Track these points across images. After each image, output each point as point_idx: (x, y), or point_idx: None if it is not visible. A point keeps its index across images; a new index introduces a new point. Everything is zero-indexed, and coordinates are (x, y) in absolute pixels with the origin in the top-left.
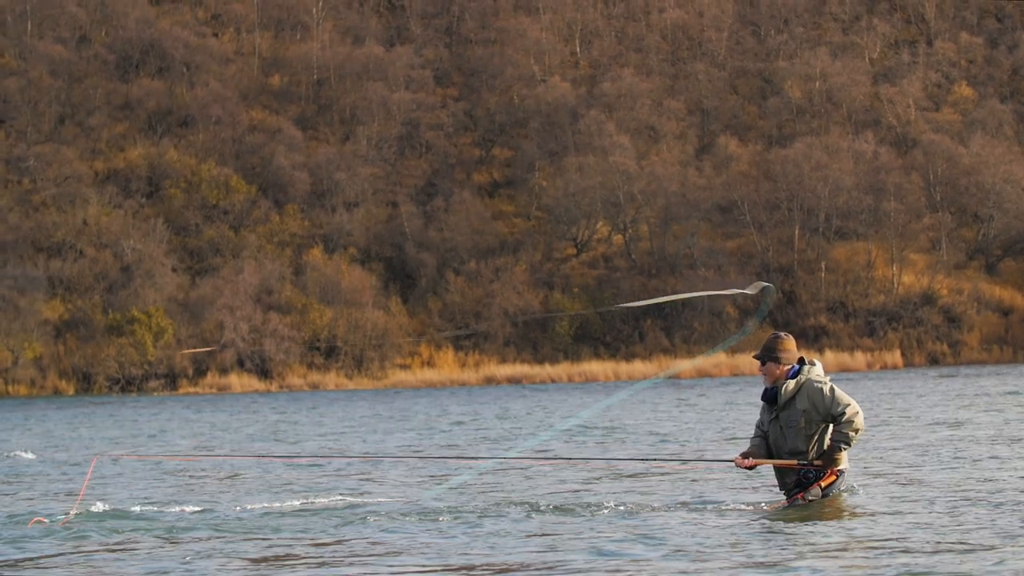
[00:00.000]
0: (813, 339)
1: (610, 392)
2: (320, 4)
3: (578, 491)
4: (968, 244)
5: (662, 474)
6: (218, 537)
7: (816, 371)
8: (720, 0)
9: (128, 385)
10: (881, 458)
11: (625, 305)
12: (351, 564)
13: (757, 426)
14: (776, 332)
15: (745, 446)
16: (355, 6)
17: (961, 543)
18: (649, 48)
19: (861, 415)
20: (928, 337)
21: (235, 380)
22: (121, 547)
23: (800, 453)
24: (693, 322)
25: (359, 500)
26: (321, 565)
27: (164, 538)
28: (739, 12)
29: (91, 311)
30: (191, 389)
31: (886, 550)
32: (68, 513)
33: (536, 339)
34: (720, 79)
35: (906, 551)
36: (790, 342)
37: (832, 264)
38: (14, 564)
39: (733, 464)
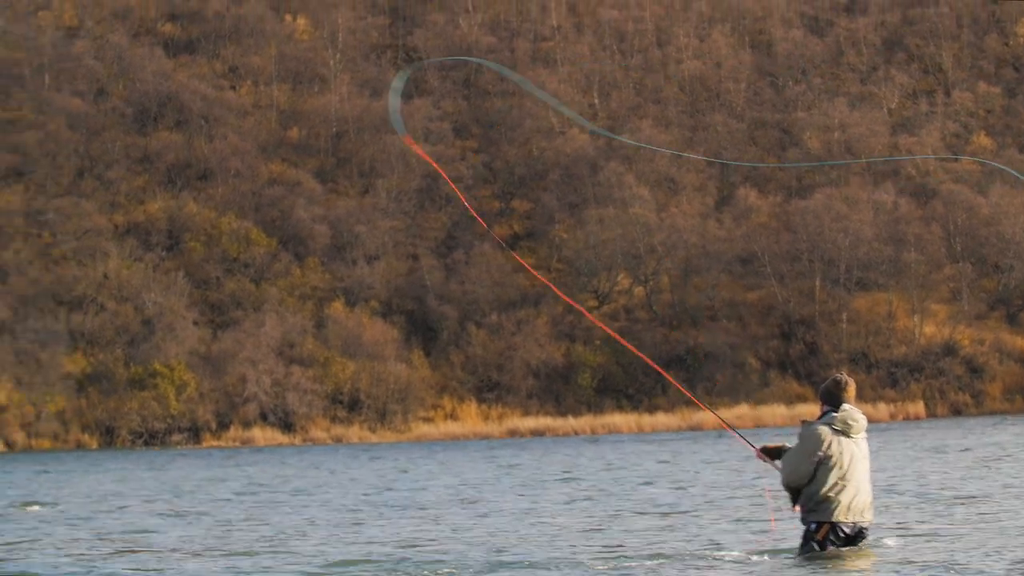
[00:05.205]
0: None
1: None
2: (337, 57)
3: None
4: (989, 294)
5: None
6: None
7: (830, 417)
8: (738, 51)
9: (151, 439)
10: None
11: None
12: None
13: None
14: (838, 376)
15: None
16: (372, 58)
17: None
18: (667, 99)
19: (786, 470)
20: (950, 387)
21: (258, 433)
22: None
23: None
24: (716, 374)
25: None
26: None
27: None
28: (757, 63)
29: (113, 364)
30: (215, 443)
31: None
32: None
33: (559, 391)
34: (739, 130)
35: None
36: (851, 389)
37: (853, 315)
38: None
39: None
